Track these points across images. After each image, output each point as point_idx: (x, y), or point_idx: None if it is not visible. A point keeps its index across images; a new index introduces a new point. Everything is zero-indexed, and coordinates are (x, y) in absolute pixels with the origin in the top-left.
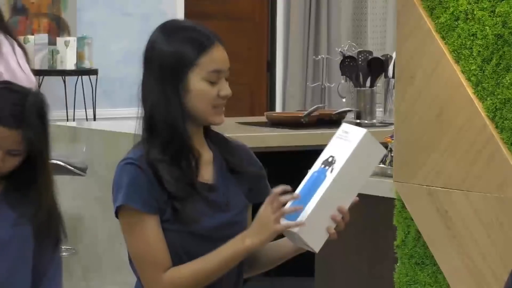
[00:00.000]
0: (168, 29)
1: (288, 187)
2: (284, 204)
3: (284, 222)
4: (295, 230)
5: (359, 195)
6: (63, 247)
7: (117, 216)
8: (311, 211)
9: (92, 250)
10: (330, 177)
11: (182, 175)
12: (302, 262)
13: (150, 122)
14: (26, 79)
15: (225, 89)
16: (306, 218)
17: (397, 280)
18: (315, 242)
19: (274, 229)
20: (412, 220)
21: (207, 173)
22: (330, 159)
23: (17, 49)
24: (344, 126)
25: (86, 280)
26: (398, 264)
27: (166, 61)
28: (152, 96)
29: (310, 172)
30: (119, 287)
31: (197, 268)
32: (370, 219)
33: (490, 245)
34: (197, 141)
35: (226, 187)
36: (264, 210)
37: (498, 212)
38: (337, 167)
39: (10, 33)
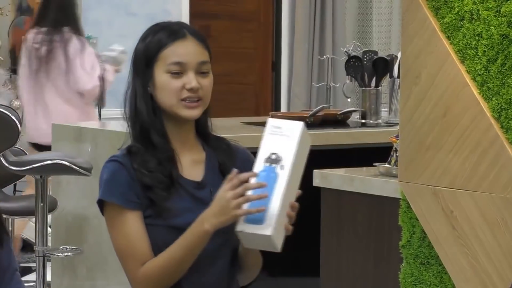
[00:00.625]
0: (147, 29)
1: (254, 173)
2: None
3: (245, 209)
4: (264, 232)
5: (364, 195)
6: (68, 247)
7: (102, 213)
8: (277, 211)
9: (97, 250)
10: (283, 174)
11: (158, 166)
12: (307, 262)
13: (128, 119)
14: (87, 79)
15: (191, 81)
16: (274, 219)
17: (403, 280)
18: (279, 241)
19: (234, 214)
20: (417, 220)
21: (196, 172)
22: (273, 157)
23: (88, 49)
24: (272, 121)
25: (91, 280)
26: (403, 264)
27: (136, 58)
28: (128, 93)
29: (255, 171)
30: (124, 287)
31: (166, 257)
32: (376, 219)
33: (495, 245)
34: (183, 140)
35: (215, 185)
36: (223, 191)
37: (504, 212)
38: (287, 163)
39: (81, 34)
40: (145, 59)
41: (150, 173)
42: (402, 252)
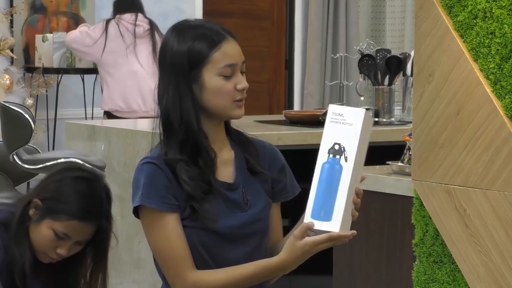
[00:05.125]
0: (179, 29)
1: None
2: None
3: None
4: (332, 229)
5: (377, 193)
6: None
7: (137, 215)
8: (344, 205)
9: (111, 248)
10: (347, 166)
11: (199, 174)
12: (321, 260)
13: (166, 122)
14: (151, 74)
15: (242, 82)
16: (341, 215)
17: (415, 278)
18: (346, 229)
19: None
20: (431, 218)
21: (227, 172)
22: (336, 147)
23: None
24: (334, 108)
25: None
26: (416, 263)
27: (178, 61)
28: (166, 96)
29: (319, 164)
30: (138, 285)
31: (228, 276)
32: (389, 218)
33: (509, 243)
34: (217, 140)
35: (246, 185)
36: (307, 245)
37: None
38: (350, 154)
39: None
40: (190, 62)
41: (192, 181)
42: (415, 250)
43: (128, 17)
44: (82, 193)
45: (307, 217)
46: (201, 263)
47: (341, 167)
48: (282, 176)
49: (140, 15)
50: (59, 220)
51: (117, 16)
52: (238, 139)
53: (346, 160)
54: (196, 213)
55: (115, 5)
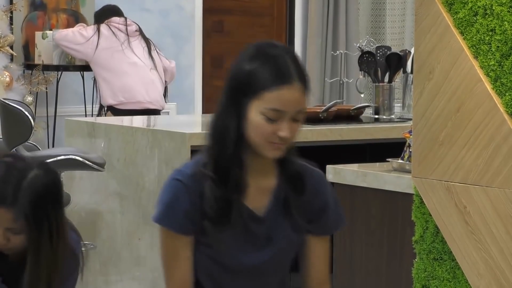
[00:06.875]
0: (258, 46)
1: None
2: None
3: None
4: None
5: (377, 190)
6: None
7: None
8: None
9: (110, 245)
10: None
11: (225, 197)
12: None
13: (210, 133)
14: (150, 67)
15: (284, 130)
16: None
17: (416, 275)
18: None
19: None
20: (431, 215)
21: (260, 201)
22: None
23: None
24: None
25: (104, 275)
26: (416, 260)
27: (237, 79)
28: (217, 108)
29: None
30: (137, 282)
31: None
32: (389, 215)
33: (509, 240)
34: (258, 167)
35: (276, 220)
36: None
37: None
38: None
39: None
40: (244, 89)
41: (215, 203)
42: (415, 247)
43: (117, 19)
44: (2, 178)
45: None
46: None
47: None
48: (322, 214)
49: (128, 19)
50: None
51: (106, 20)
52: (287, 170)
53: None
54: (209, 239)
55: (98, 13)
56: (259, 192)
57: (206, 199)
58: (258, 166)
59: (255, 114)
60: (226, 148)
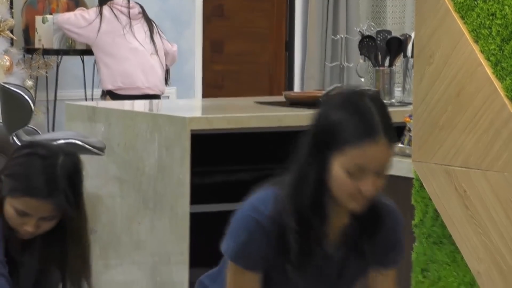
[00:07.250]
0: (346, 96)
1: None
2: None
3: None
4: None
5: None
6: None
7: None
8: None
9: (110, 229)
10: None
11: (308, 246)
12: None
13: (292, 182)
14: (150, 52)
15: (368, 187)
16: None
17: (415, 259)
18: None
19: None
20: (430, 199)
21: (332, 239)
22: None
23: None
24: None
25: (104, 259)
26: (416, 244)
27: (322, 129)
28: (299, 154)
29: None
30: (137, 266)
31: None
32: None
33: (508, 224)
34: (334, 211)
35: (346, 259)
36: None
37: None
38: None
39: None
40: (328, 141)
41: (300, 254)
42: (414, 231)
43: (120, 1)
44: (33, 170)
45: None
46: None
47: None
48: (393, 249)
49: (131, 1)
50: (15, 197)
51: (109, 1)
52: (366, 212)
53: None
54: (279, 276)
55: None
56: (332, 231)
57: (291, 251)
58: (336, 210)
59: (338, 168)
60: (307, 198)
